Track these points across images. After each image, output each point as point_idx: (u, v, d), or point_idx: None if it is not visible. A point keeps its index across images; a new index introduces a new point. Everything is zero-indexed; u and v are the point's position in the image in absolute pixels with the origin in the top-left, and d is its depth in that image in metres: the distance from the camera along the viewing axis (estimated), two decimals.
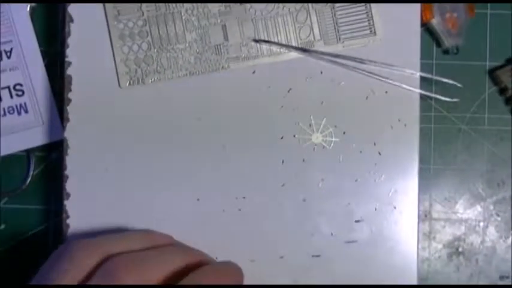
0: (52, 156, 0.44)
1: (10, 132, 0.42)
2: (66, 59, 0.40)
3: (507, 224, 0.44)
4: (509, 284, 0.43)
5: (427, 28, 0.43)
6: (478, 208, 0.44)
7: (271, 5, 0.40)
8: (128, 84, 0.40)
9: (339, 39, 0.40)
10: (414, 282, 0.39)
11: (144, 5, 0.40)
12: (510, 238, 0.44)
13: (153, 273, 0.33)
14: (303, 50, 0.40)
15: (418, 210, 0.40)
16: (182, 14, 0.40)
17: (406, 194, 0.40)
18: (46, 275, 0.33)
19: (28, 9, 0.43)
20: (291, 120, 0.40)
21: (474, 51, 0.44)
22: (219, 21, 0.40)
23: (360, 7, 0.40)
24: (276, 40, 0.40)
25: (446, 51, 0.44)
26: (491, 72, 0.44)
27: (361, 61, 0.40)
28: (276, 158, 0.40)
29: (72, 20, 0.40)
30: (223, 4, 0.40)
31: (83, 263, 0.33)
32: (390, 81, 0.40)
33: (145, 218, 0.40)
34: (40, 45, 0.43)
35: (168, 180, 0.40)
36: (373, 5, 0.40)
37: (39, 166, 0.44)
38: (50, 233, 0.43)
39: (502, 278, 0.44)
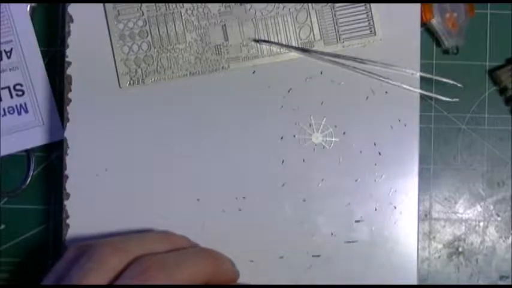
0: (52, 156, 0.44)
1: (10, 132, 0.42)
2: (66, 59, 0.40)
3: (507, 224, 0.44)
4: (509, 284, 0.44)
5: (427, 28, 0.43)
6: (478, 208, 0.44)
7: (271, 5, 0.40)
8: (128, 84, 0.40)
9: (339, 39, 0.40)
10: (414, 282, 0.39)
11: (144, 5, 0.40)
12: (510, 238, 0.44)
13: (182, 275, 0.33)
14: (303, 50, 0.40)
15: (418, 210, 0.40)
16: (182, 14, 0.40)
17: (406, 194, 0.40)
18: (65, 272, 0.32)
19: (28, 9, 0.43)
20: (291, 120, 0.40)
21: (474, 51, 0.44)
22: (219, 21, 0.40)
23: (360, 7, 0.40)
24: (276, 40, 0.40)
25: (446, 51, 0.44)
26: (491, 72, 0.44)
27: (361, 61, 0.40)
28: (276, 158, 0.40)
29: (72, 20, 0.40)
30: (223, 4, 0.40)
31: (109, 262, 0.32)
32: (390, 81, 0.40)
33: (146, 217, 0.40)
34: (40, 45, 0.43)
35: (168, 180, 0.40)
36: (373, 5, 0.40)
37: (39, 166, 0.44)
38: (50, 233, 0.43)
39: (502, 278, 0.44)
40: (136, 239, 0.36)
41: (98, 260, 0.32)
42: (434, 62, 0.44)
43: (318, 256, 0.40)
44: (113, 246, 0.33)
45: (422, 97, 0.41)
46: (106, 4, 0.40)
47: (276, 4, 0.40)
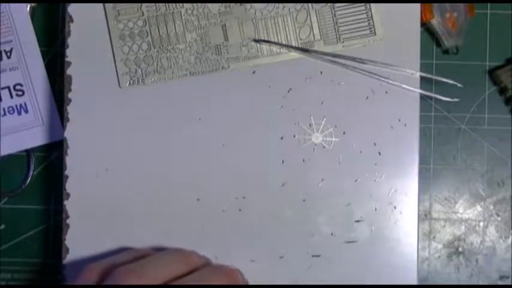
0: (52, 156, 0.44)
1: (10, 132, 0.42)
2: (66, 59, 0.40)
3: (507, 224, 0.44)
4: (509, 284, 0.43)
5: (427, 28, 0.43)
6: (478, 208, 0.44)
7: (271, 5, 0.40)
8: (128, 84, 0.40)
9: (339, 39, 0.40)
10: (414, 282, 0.39)
11: (144, 5, 0.40)
12: (510, 238, 0.44)
13: None
14: (303, 50, 0.40)
15: (418, 210, 0.40)
16: (182, 14, 0.40)
17: (406, 194, 0.40)
18: None
19: (28, 9, 0.43)
20: (291, 120, 0.40)
21: (474, 51, 0.44)
22: (219, 21, 0.40)
23: (360, 7, 0.40)
24: (276, 40, 0.40)
25: (446, 51, 0.44)
26: (491, 72, 0.44)
27: (361, 61, 0.40)
28: (276, 158, 0.40)
29: (72, 20, 0.40)
30: (223, 4, 0.40)
31: None
32: (390, 81, 0.40)
33: (146, 217, 0.40)
34: (40, 45, 0.43)
35: (168, 180, 0.40)
36: (373, 5, 0.40)
37: (39, 166, 0.44)
38: (50, 233, 0.43)
39: (502, 278, 0.44)
40: (156, 262, 0.36)
41: None
42: (434, 62, 0.44)
43: (318, 256, 0.40)
44: (135, 274, 0.34)
45: (422, 97, 0.41)
46: (106, 4, 0.40)
47: (276, 4, 0.40)
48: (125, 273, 0.33)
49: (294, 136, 0.40)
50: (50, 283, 0.43)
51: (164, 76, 0.40)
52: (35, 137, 0.43)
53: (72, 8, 0.40)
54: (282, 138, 0.40)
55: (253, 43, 0.40)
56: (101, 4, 0.40)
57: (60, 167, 0.40)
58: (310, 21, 0.40)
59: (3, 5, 0.42)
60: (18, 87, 0.42)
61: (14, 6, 0.42)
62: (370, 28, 0.40)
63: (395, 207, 0.40)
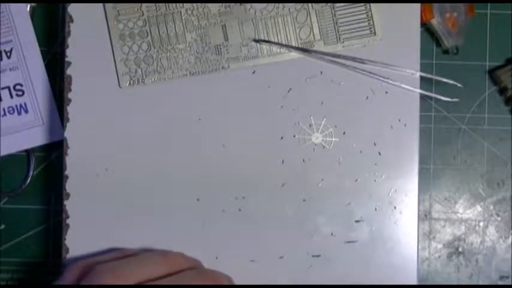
0: (52, 156, 0.44)
1: (10, 132, 0.42)
2: (66, 59, 0.40)
3: (507, 224, 0.44)
4: (509, 284, 0.43)
5: (427, 28, 0.43)
6: (478, 208, 0.44)
7: (271, 5, 0.40)
8: (128, 84, 0.40)
9: (339, 39, 0.40)
10: (414, 282, 0.39)
11: (144, 5, 0.40)
12: (510, 238, 0.44)
13: None
14: (303, 50, 0.40)
15: (418, 210, 0.40)
16: (182, 14, 0.40)
17: (406, 194, 0.40)
18: None
19: (28, 9, 0.43)
20: (291, 120, 0.40)
21: (474, 51, 0.44)
22: (219, 21, 0.40)
23: (360, 7, 0.40)
24: (276, 40, 0.40)
25: (446, 51, 0.44)
26: (491, 72, 0.44)
27: (361, 61, 0.40)
28: (276, 158, 0.40)
29: (72, 20, 0.40)
30: (223, 4, 0.40)
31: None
32: (390, 81, 0.40)
33: (145, 217, 0.40)
34: (40, 45, 0.43)
35: (168, 180, 0.40)
36: (373, 5, 0.40)
37: (39, 166, 0.44)
38: (50, 233, 0.43)
39: (502, 278, 0.44)
40: (135, 263, 0.36)
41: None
42: (434, 62, 0.44)
43: (318, 256, 0.40)
44: (113, 273, 0.34)
45: (422, 97, 0.41)
46: (106, 4, 0.40)
47: (276, 4, 0.40)
48: (101, 272, 0.34)
49: (294, 136, 0.40)
50: (50, 283, 0.43)
51: (164, 76, 0.40)
52: (35, 137, 0.43)
53: (72, 8, 0.40)
54: (282, 138, 0.40)
55: (253, 43, 0.40)
56: (101, 4, 0.40)
57: (60, 167, 0.40)
58: (310, 21, 0.40)
59: (3, 5, 0.42)
60: (18, 87, 0.42)
61: (14, 6, 0.42)
62: (370, 28, 0.40)
63: (395, 207, 0.40)
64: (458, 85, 0.41)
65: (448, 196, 0.44)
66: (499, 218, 0.44)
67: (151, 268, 0.35)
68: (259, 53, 0.40)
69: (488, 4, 0.44)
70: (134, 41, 0.40)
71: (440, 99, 0.41)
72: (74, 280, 0.35)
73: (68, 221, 0.40)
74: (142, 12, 0.40)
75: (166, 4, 0.40)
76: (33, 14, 0.43)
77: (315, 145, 0.40)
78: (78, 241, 0.39)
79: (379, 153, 0.40)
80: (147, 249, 0.39)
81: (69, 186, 0.40)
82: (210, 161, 0.40)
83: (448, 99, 0.41)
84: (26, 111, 0.43)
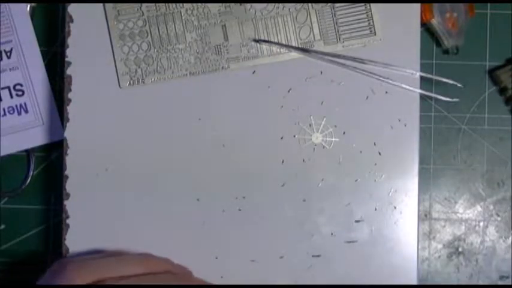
0: (52, 156, 0.44)
1: (10, 132, 0.42)
2: (66, 59, 0.40)
3: (507, 224, 0.44)
4: (509, 284, 0.44)
5: (427, 28, 0.43)
6: (478, 208, 0.44)
7: (271, 5, 0.40)
8: (128, 84, 0.40)
9: (339, 39, 0.40)
10: (414, 282, 0.39)
11: (144, 5, 0.40)
12: (510, 238, 0.44)
13: None
14: (303, 50, 0.40)
15: (418, 210, 0.40)
16: (182, 14, 0.40)
17: (406, 194, 0.40)
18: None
19: (28, 9, 0.43)
20: (291, 120, 0.40)
21: (474, 51, 0.44)
22: (219, 21, 0.40)
23: (360, 7, 0.40)
24: (276, 40, 0.40)
25: (446, 51, 0.44)
26: (491, 72, 0.44)
27: (361, 61, 0.40)
28: (276, 158, 0.40)
29: (72, 20, 0.40)
30: (223, 4, 0.40)
31: (76, 283, 0.34)
32: (390, 81, 0.40)
33: (145, 217, 0.40)
34: (40, 45, 0.43)
35: (168, 180, 0.40)
36: (373, 5, 0.40)
37: (39, 166, 0.44)
38: (50, 233, 0.43)
39: (502, 278, 0.44)
40: (113, 262, 0.36)
41: (65, 281, 0.34)
42: (434, 62, 0.44)
43: (318, 256, 0.40)
44: (85, 270, 0.35)
45: (422, 97, 0.41)
46: (106, 4, 0.40)
47: (276, 4, 0.40)
48: (64, 264, 0.35)
49: (294, 136, 0.40)
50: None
51: (164, 76, 0.40)
52: (35, 137, 0.43)
53: (72, 8, 0.40)
54: (282, 138, 0.40)
55: (253, 43, 0.40)
56: (101, 4, 0.40)
57: (60, 167, 0.40)
58: (310, 21, 0.40)
59: (3, 5, 0.42)
60: (18, 87, 0.42)
61: (14, 6, 0.42)
62: (370, 28, 0.40)
63: (395, 207, 0.40)
64: (458, 85, 0.41)
65: (448, 196, 0.44)
66: (499, 218, 0.44)
67: (126, 268, 0.36)
68: (259, 53, 0.40)
69: (488, 4, 0.44)
70: (134, 41, 0.40)
71: (440, 99, 0.41)
72: (51, 274, 0.35)
73: (68, 221, 0.40)
74: (142, 12, 0.40)
75: (166, 4, 0.40)
76: (33, 14, 0.43)
77: (315, 145, 0.40)
78: (78, 241, 0.39)
79: (379, 153, 0.40)
80: (146, 253, 0.39)
81: (69, 186, 0.40)
82: (210, 161, 0.40)
83: (448, 99, 0.41)
84: (26, 111, 0.43)
